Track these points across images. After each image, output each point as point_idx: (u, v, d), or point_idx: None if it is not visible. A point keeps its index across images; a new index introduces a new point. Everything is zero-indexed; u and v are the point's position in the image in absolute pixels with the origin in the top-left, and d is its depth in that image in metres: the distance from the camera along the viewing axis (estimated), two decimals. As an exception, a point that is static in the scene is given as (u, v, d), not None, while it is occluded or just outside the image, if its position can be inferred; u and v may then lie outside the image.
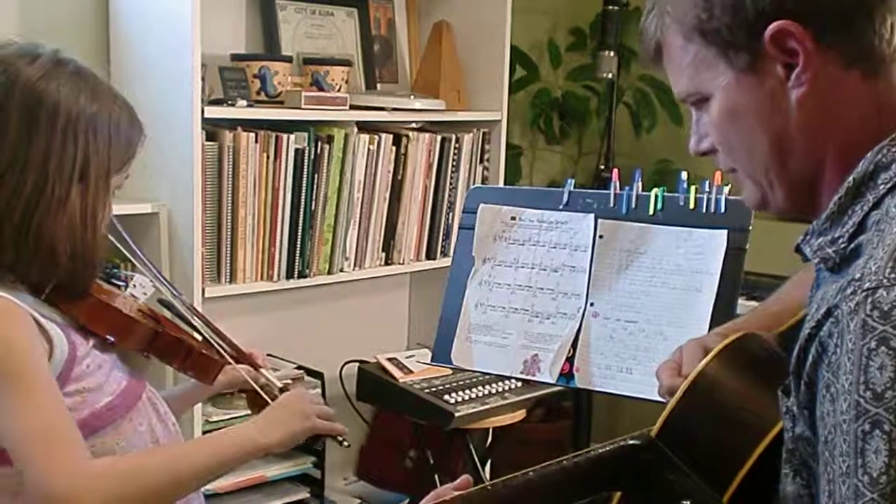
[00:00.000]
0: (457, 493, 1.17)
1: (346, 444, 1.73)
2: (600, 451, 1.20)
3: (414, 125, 3.01)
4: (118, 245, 1.64)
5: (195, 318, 1.74)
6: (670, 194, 1.78)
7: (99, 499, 1.41)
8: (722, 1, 1.03)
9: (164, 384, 2.08)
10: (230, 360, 1.71)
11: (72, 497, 1.39)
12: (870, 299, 0.90)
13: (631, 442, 1.20)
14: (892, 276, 0.90)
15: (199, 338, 1.71)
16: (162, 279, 1.77)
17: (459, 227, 1.95)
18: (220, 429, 1.80)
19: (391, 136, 2.88)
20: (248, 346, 1.81)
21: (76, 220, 1.46)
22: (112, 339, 1.54)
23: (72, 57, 1.51)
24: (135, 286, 1.70)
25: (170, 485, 1.49)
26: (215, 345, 1.71)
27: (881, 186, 0.99)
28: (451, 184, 3.05)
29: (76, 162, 1.45)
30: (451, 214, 3.06)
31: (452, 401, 2.74)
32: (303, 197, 2.68)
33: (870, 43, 1.01)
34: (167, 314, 1.74)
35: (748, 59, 1.03)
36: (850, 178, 1.01)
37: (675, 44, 1.09)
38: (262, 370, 1.77)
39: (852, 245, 1.00)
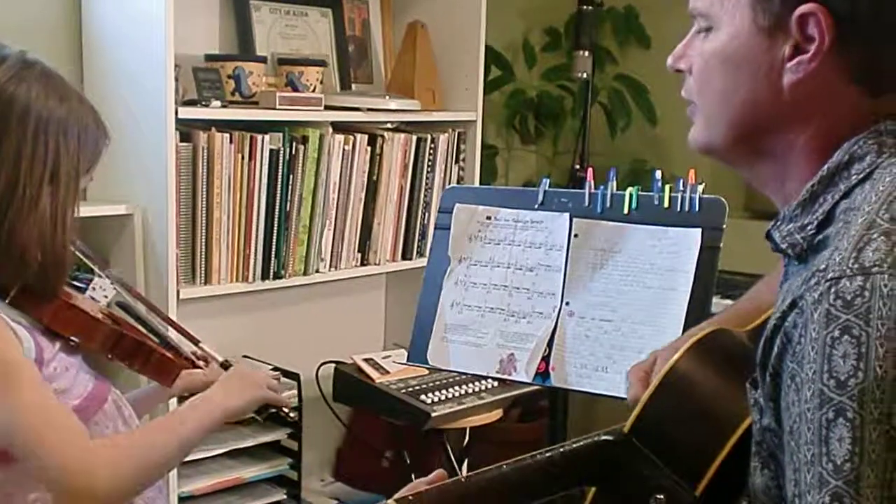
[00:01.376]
0: (432, 485, 1.17)
1: (291, 416, 1.82)
2: (574, 446, 1.21)
3: (389, 125, 3.00)
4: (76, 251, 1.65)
5: (153, 319, 1.76)
6: (645, 193, 1.79)
7: (112, 474, 1.43)
8: None
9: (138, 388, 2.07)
10: (188, 361, 1.74)
11: (89, 474, 1.41)
12: (833, 289, 0.91)
13: (604, 437, 1.21)
14: (856, 266, 0.91)
15: (157, 340, 1.72)
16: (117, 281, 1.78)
17: (435, 227, 1.95)
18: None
19: (366, 137, 2.88)
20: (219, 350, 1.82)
21: (46, 221, 1.46)
22: (76, 340, 1.54)
23: (38, 58, 1.51)
24: (94, 289, 1.71)
25: (169, 454, 1.54)
26: (174, 346, 1.73)
27: (853, 177, 1.01)
28: (426, 184, 3.05)
29: (46, 163, 1.45)
30: (426, 214, 3.06)
31: (429, 401, 2.74)
32: (278, 198, 2.67)
33: (886, 68, 1.02)
34: (125, 316, 1.74)
35: (771, 21, 1.03)
36: (825, 167, 1.03)
37: None
38: (202, 345, 1.81)
39: (820, 235, 1.01)
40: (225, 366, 1.77)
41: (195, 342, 1.81)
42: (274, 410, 1.78)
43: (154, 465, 1.51)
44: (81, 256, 1.67)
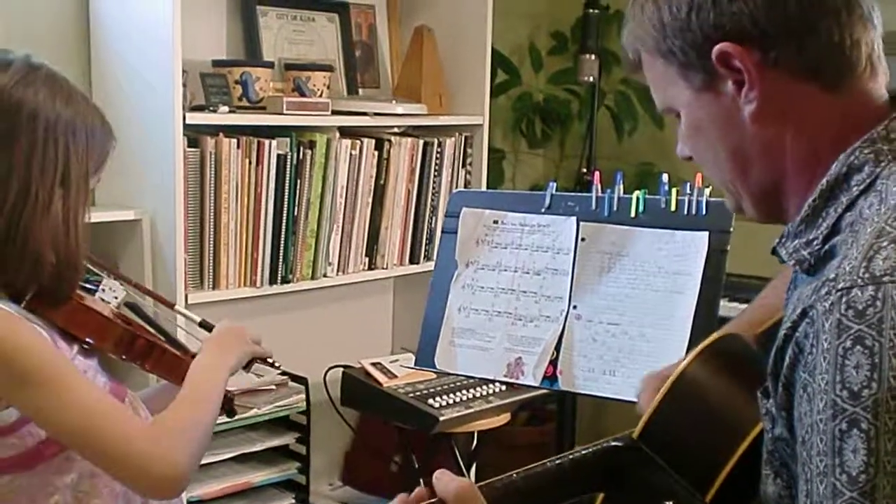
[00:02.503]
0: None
1: (277, 365, 1.82)
2: (584, 452, 1.21)
3: (396, 130, 3.01)
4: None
5: (159, 318, 1.77)
6: (652, 196, 1.79)
7: (179, 456, 1.45)
8: (672, 24, 1.06)
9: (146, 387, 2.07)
10: (192, 357, 1.74)
11: (161, 460, 1.43)
12: (844, 299, 0.91)
13: (614, 443, 1.21)
14: (867, 275, 0.91)
15: (165, 338, 1.72)
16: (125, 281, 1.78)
17: (442, 231, 1.95)
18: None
19: (373, 141, 2.88)
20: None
21: (59, 224, 1.47)
22: (91, 342, 1.55)
23: (42, 61, 1.51)
24: (104, 290, 1.71)
25: (207, 426, 1.54)
26: (181, 344, 1.74)
27: (854, 188, 1.01)
28: (433, 188, 3.05)
29: (57, 166, 1.46)
30: (433, 219, 3.06)
31: (437, 405, 2.74)
32: (285, 202, 2.68)
33: (822, 57, 1.02)
34: (135, 317, 1.75)
35: (703, 78, 1.06)
36: (824, 181, 1.03)
37: (647, 60, 1.13)
38: (178, 308, 1.82)
39: (826, 247, 1.01)
40: (205, 325, 1.77)
41: (170, 306, 1.82)
42: (259, 364, 1.78)
43: (205, 433, 1.53)
44: (86, 263, 1.67)
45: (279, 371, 1.86)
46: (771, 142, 1.06)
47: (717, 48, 1.03)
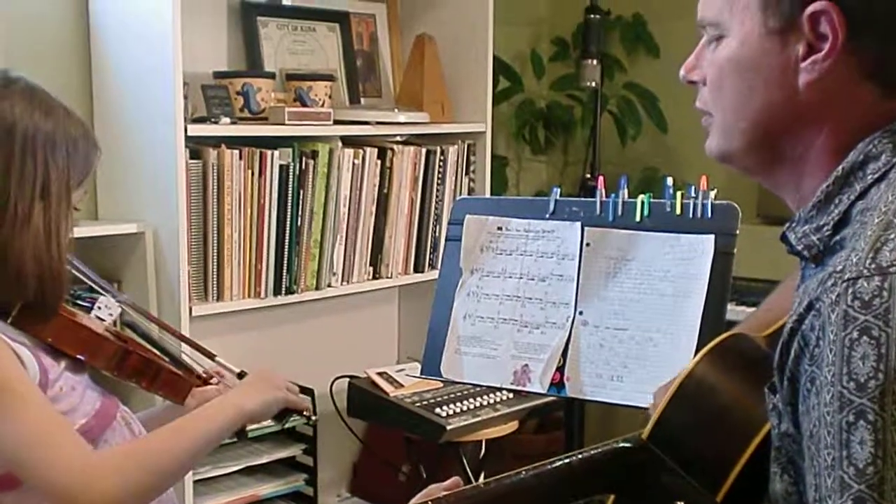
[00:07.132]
0: (448, 491, 1.16)
1: (314, 418, 1.80)
2: (592, 452, 1.20)
3: (398, 138, 3.00)
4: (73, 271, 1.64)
5: (163, 337, 1.75)
6: (657, 200, 1.78)
7: (109, 488, 1.42)
8: None
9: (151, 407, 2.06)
10: (200, 380, 1.73)
11: (94, 490, 1.40)
12: (850, 290, 0.90)
13: (623, 444, 1.20)
14: (873, 266, 0.90)
15: (167, 358, 1.71)
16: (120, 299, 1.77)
17: (446, 239, 1.94)
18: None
19: (376, 150, 2.88)
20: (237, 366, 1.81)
21: (41, 237, 1.46)
22: (82, 358, 1.54)
23: (20, 75, 1.50)
24: (100, 308, 1.69)
25: (174, 461, 1.51)
26: (184, 364, 1.72)
27: (869, 176, 1.00)
28: (437, 196, 3.05)
29: (37, 179, 1.45)
30: (437, 227, 3.06)
31: (444, 414, 2.73)
32: (288, 213, 2.67)
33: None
34: (132, 335, 1.74)
35: (781, 22, 1.02)
36: (840, 167, 1.02)
37: None
38: (218, 359, 1.80)
39: (837, 237, 1.00)
40: (241, 376, 1.75)
41: (211, 357, 1.80)
42: (295, 416, 1.75)
43: (165, 469, 1.50)
44: (84, 278, 1.66)
45: (314, 422, 1.83)
46: (811, 117, 1.04)
47: (819, 3, 0.99)
